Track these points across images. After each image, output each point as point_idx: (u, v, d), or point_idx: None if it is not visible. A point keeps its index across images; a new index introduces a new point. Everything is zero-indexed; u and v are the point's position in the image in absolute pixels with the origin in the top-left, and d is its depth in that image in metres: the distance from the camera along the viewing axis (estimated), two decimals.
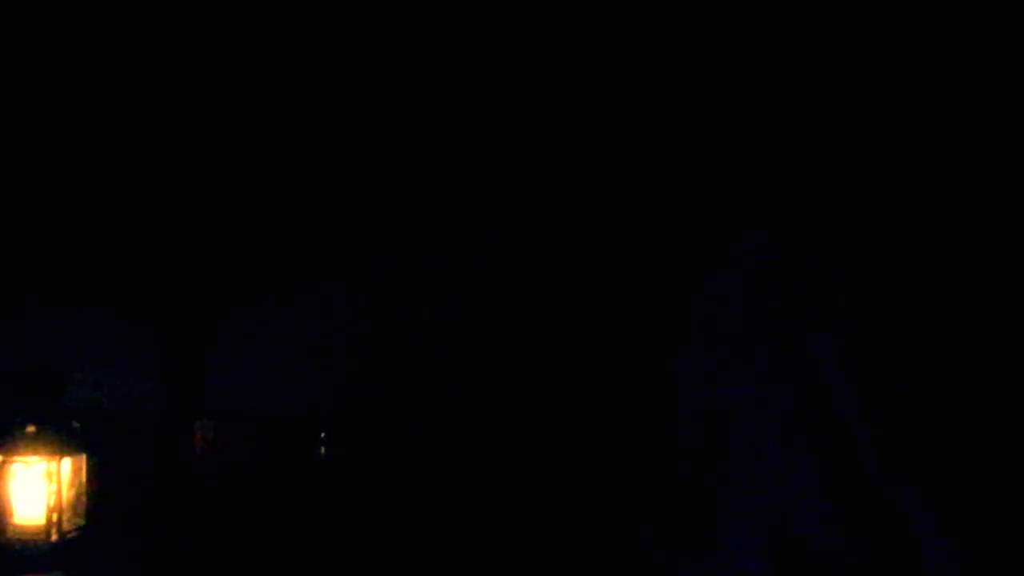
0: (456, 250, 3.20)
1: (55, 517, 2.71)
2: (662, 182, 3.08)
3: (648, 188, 3.09)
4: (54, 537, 2.71)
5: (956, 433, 2.65)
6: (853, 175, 2.89)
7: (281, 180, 3.22)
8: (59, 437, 2.74)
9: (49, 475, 2.71)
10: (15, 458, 2.71)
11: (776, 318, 2.91)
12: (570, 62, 3.06)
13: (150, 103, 3.13)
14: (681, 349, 3.01)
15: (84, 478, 2.79)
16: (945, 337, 2.71)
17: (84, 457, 2.79)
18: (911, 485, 2.67)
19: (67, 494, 2.74)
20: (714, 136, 3.03)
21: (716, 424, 2.92)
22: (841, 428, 2.78)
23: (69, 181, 3.16)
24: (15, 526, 2.71)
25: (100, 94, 3.12)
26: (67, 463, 2.74)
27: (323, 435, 3.11)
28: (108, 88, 3.11)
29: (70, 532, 2.74)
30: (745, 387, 2.90)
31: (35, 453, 2.71)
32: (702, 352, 2.98)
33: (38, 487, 2.71)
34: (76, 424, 2.79)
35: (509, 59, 3.08)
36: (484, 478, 3.06)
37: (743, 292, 2.99)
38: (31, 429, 2.72)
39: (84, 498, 2.79)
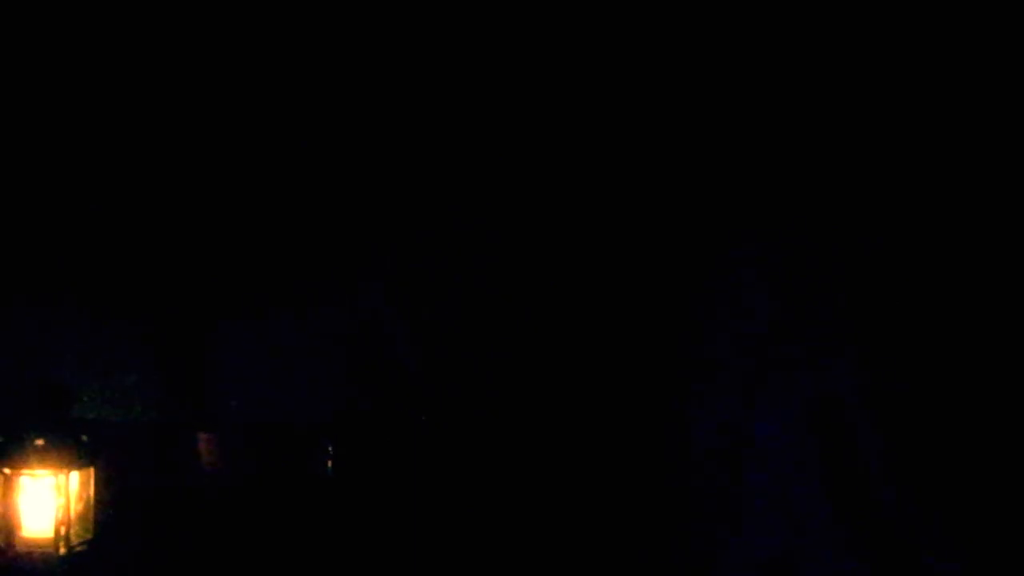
0: (457, 250, 3.19)
1: (63, 530, 2.71)
2: (667, 183, 3.08)
3: (651, 189, 3.08)
4: (62, 551, 2.71)
5: (982, 478, 2.63)
6: (873, 185, 2.87)
7: (281, 181, 3.22)
8: (67, 450, 2.74)
9: (57, 488, 2.71)
10: (23, 471, 2.71)
11: (795, 342, 2.89)
12: (570, 62, 3.06)
13: (150, 104, 3.13)
14: (689, 365, 3.01)
15: (92, 491, 2.79)
16: (972, 367, 2.69)
17: (92, 470, 2.79)
18: (933, 532, 2.66)
19: (75, 507, 2.74)
20: (724, 137, 3.03)
21: (726, 454, 2.91)
22: (858, 465, 2.77)
23: (68, 183, 3.16)
24: (24, 539, 2.71)
25: (100, 95, 3.11)
26: (75, 476, 2.74)
27: (330, 448, 3.10)
28: (108, 89, 3.10)
29: (78, 545, 2.74)
30: (759, 419, 2.89)
31: (43, 466, 2.71)
32: (713, 375, 2.99)
33: (46, 500, 2.71)
34: (84, 437, 2.78)
35: (509, 59, 3.08)
36: (495, 492, 3.06)
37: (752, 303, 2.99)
38: (39, 442, 2.72)
39: (92, 511, 2.79)
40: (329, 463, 3.14)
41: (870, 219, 2.87)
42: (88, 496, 2.78)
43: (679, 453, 2.99)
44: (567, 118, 3.09)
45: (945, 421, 2.73)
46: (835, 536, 2.79)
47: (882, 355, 2.82)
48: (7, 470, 2.70)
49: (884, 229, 2.85)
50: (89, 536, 2.78)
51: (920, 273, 2.81)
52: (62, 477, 2.71)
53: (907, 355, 2.80)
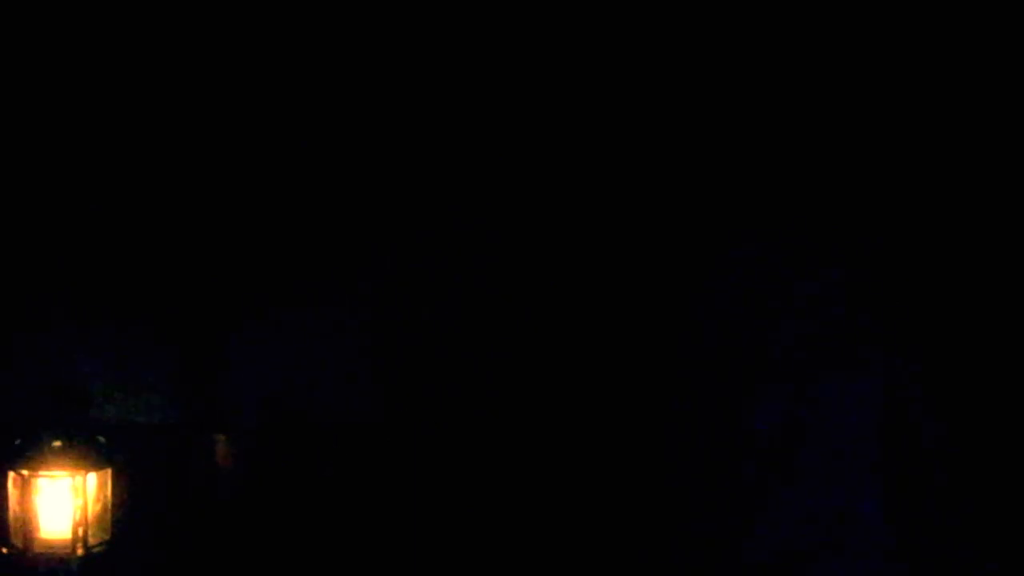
0: (460, 249, 3.19)
1: (81, 531, 2.73)
2: (665, 181, 3.07)
3: (652, 187, 3.08)
4: (80, 552, 2.73)
5: None
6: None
7: (295, 183, 3.23)
8: (85, 452, 2.76)
9: (75, 490, 2.73)
10: (41, 473, 2.73)
11: (856, 339, 2.84)
12: (569, 62, 3.06)
13: (167, 113, 3.16)
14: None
15: (109, 492, 2.81)
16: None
17: (109, 471, 2.81)
18: (993, 536, 2.62)
19: (93, 509, 2.76)
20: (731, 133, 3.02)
21: (775, 450, 2.87)
22: (920, 466, 2.72)
23: (86, 188, 3.18)
24: (42, 540, 2.73)
25: (113, 106, 3.14)
26: (93, 478, 2.76)
27: (347, 450, 3.11)
28: (120, 100, 3.13)
29: (96, 547, 2.76)
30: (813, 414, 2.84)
31: (61, 468, 2.73)
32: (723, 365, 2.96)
33: (64, 502, 2.73)
34: (101, 439, 2.80)
35: (508, 59, 3.08)
36: (519, 494, 3.06)
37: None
38: (57, 444, 2.74)
39: (110, 513, 2.81)
40: (346, 465, 3.15)
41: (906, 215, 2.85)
42: (105, 497, 2.80)
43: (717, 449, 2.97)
44: (567, 118, 3.10)
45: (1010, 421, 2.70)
46: (886, 536, 2.76)
47: (945, 354, 2.78)
48: (25, 472, 2.72)
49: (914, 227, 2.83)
50: (107, 537, 2.79)
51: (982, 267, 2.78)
52: (79, 478, 2.73)
53: (972, 355, 2.76)
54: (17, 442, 2.76)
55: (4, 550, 2.75)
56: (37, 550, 2.72)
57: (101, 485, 2.79)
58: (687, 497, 2.98)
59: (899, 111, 2.86)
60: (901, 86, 2.85)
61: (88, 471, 2.75)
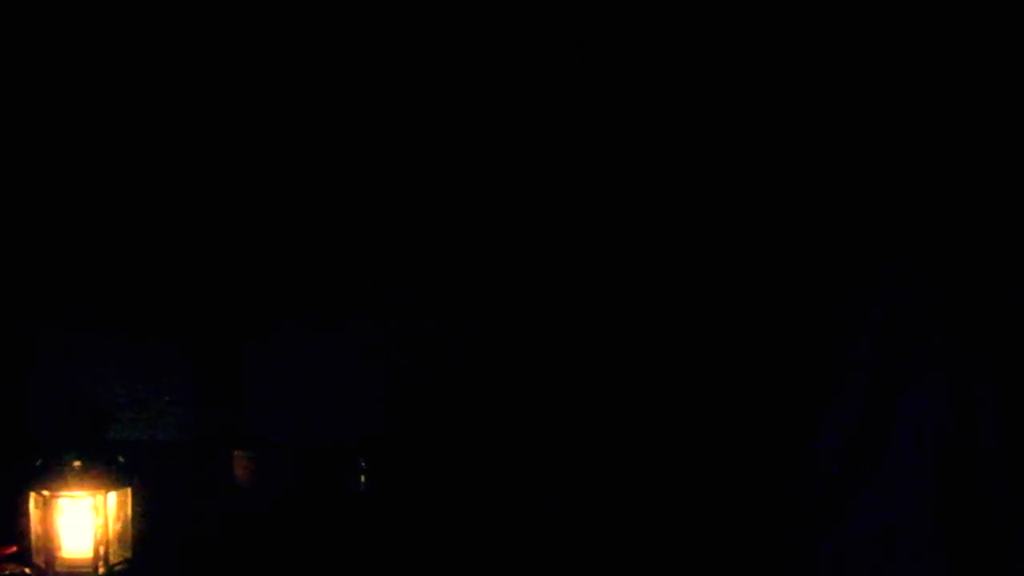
0: (483, 265, 3.19)
1: (102, 550, 2.75)
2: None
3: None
4: (102, 570, 2.75)
5: None
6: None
7: (315, 199, 3.25)
8: (105, 471, 2.79)
9: (96, 509, 2.75)
10: (62, 493, 2.75)
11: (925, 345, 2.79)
12: (570, 62, 3.05)
13: (182, 131, 3.18)
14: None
15: (130, 511, 2.83)
16: None
17: (129, 490, 2.83)
18: None
19: (113, 527, 2.78)
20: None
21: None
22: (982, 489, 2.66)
23: (104, 206, 3.21)
24: (63, 560, 2.76)
25: (134, 121, 3.17)
26: (113, 496, 2.79)
27: (363, 464, 3.12)
28: (142, 115, 3.16)
29: (117, 564, 2.79)
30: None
31: (82, 487, 2.75)
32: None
33: (85, 521, 2.76)
34: (121, 458, 2.83)
35: (512, 67, 3.08)
36: (535, 508, 3.05)
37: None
38: (77, 464, 2.76)
39: (130, 531, 2.83)
40: (364, 480, 3.15)
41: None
42: (126, 516, 2.82)
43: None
44: (566, 119, 3.09)
45: None
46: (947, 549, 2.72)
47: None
48: (46, 492, 2.75)
49: None
50: (128, 555, 2.82)
51: None
52: (100, 498, 2.76)
53: None
54: (38, 462, 2.79)
55: (27, 570, 2.78)
56: (59, 569, 2.75)
57: (121, 504, 2.81)
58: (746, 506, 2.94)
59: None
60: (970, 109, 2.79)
61: (108, 490, 2.78)
